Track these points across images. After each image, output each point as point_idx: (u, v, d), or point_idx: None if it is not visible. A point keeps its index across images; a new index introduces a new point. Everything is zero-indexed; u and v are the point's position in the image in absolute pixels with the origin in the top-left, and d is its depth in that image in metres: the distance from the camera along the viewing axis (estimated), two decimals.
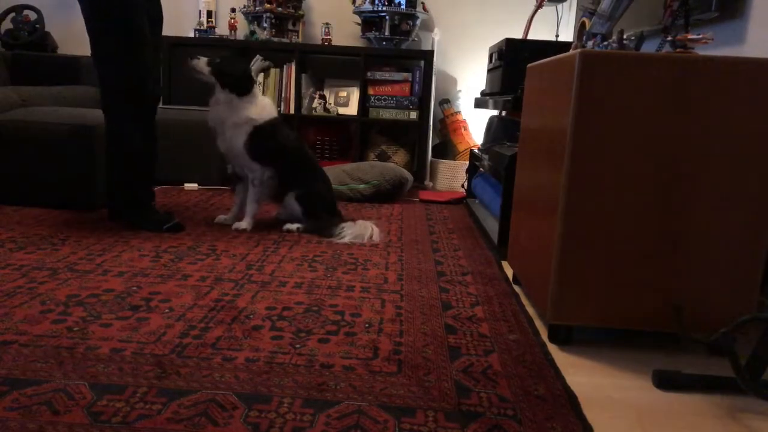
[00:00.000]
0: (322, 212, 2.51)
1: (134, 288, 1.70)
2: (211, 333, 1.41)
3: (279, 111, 3.21)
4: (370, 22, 3.91)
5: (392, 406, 1.13)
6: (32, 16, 3.95)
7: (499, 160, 2.40)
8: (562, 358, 1.43)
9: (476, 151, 3.15)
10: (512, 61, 2.79)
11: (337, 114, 3.96)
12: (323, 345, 1.38)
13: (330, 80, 4.08)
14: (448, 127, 4.03)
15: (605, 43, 1.72)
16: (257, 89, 2.45)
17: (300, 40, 4.03)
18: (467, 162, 3.41)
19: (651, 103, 1.37)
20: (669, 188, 1.39)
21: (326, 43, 3.98)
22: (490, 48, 3.29)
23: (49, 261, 1.90)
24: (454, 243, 2.44)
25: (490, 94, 3.13)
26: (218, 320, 1.49)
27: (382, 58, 3.96)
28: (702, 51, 1.51)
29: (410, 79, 3.91)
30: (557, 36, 3.67)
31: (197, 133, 3.28)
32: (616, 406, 1.22)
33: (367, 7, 3.80)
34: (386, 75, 3.91)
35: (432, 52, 3.85)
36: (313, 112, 3.95)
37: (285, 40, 3.97)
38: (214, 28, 4.03)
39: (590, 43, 1.78)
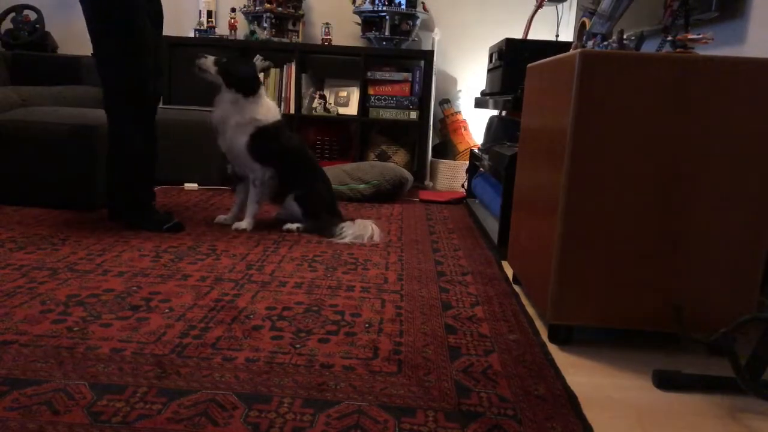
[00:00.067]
0: (322, 212, 2.51)
1: (134, 288, 1.70)
2: (211, 333, 1.41)
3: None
4: (370, 22, 3.92)
5: (392, 406, 1.13)
6: (32, 16, 3.95)
7: (499, 160, 2.40)
8: (562, 358, 1.43)
9: (476, 151, 3.15)
10: (512, 61, 2.79)
11: (337, 114, 3.96)
12: (323, 345, 1.38)
13: (330, 80, 4.08)
14: (448, 127, 4.03)
15: (605, 43, 1.72)
16: (263, 91, 2.45)
17: (300, 40, 4.03)
18: (467, 162, 3.42)
19: (651, 103, 1.37)
20: (669, 188, 1.39)
21: (326, 43, 3.98)
22: (490, 48, 3.29)
23: (49, 261, 1.90)
24: (454, 243, 2.44)
25: (490, 94, 3.13)
26: (218, 320, 1.49)
27: (382, 58, 3.96)
28: (702, 51, 1.51)
29: (410, 79, 3.91)
30: (557, 36, 3.67)
31: (197, 133, 3.28)
32: (616, 406, 1.22)
33: (367, 7, 3.81)
34: (386, 75, 3.91)
35: (432, 52, 3.85)
36: (313, 112, 3.95)
37: (285, 40, 3.97)
38: (214, 28, 4.04)
39: (590, 43, 1.78)
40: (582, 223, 1.42)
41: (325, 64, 4.11)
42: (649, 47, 1.75)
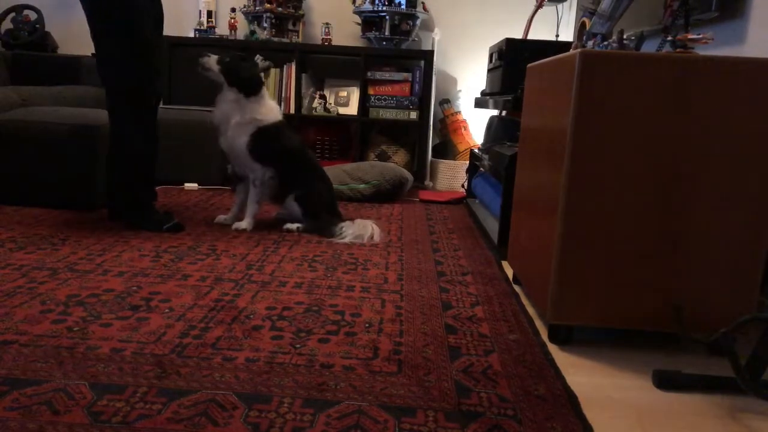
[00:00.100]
0: (322, 212, 2.51)
1: (134, 288, 1.70)
2: (211, 333, 1.41)
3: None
4: (370, 22, 3.92)
5: (392, 406, 1.13)
6: (32, 16, 3.95)
7: (499, 160, 2.40)
8: (562, 358, 1.43)
9: (476, 151, 3.15)
10: (512, 61, 2.79)
11: (337, 114, 3.96)
12: (323, 345, 1.38)
13: (330, 80, 4.08)
14: (448, 127, 4.03)
15: (605, 43, 1.72)
16: (265, 91, 2.45)
17: (300, 40, 4.03)
18: (467, 162, 3.41)
19: (651, 103, 1.37)
20: (669, 188, 1.39)
21: (326, 43, 3.98)
22: (490, 48, 3.29)
23: (49, 261, 1.90)
24: (454, 243, 2.44)
25: (490, 94, 3.13)
26: (218, 320, 1.49)
27: (382, 58, 3.96)
28: (702, 51, 1.51)
29: (410, 79, 3.91)
30: (557, 36, 3.67)
31: (198, 133, 3.29)
32: (616, 406, 1.22)
33: (367, 7, 3.81)
34: (386, 75, 3.91)
35: (432, 52, 3.85)
36: (313, 112, 3.95)
37: (285, 40, 3.97)
38: (214, 28, 4.04)
39: (590, 43, 1.78)
40: (582, 223, 1.42)
41: (325, 64, 4.11)
42: (649, 47, 1.75)
